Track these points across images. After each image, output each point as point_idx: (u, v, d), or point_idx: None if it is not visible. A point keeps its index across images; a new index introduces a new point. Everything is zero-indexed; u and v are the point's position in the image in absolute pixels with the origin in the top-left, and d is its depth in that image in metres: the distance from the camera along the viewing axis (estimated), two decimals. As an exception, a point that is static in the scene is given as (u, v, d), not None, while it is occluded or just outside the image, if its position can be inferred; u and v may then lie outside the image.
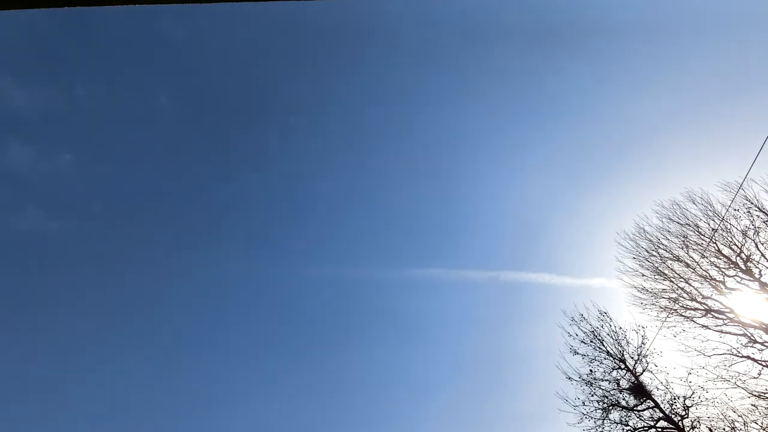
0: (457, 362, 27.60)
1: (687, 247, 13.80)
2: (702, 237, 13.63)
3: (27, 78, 19.61)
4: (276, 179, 26.70)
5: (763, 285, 12.66)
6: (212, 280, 25.87)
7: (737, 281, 13.10)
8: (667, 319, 13.69)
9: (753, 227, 12.86)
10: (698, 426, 12.59)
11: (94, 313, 24.11)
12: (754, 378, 12.33)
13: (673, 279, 13.94)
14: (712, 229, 13.43)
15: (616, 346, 14.11)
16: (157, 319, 25.14)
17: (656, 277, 14.29)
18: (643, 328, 13.98)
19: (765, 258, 12.72)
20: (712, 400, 12.68)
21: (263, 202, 26.93)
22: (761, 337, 12.53)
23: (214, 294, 26.49)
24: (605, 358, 14.09)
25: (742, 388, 12.35)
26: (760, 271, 12.77)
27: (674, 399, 13.06)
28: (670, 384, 13.25)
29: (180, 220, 25.53)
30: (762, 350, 12.48)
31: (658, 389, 13.32)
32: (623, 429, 13.29)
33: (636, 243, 14.91)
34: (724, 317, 13.11)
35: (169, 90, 22.81)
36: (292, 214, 27.32)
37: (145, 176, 24.45)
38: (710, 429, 12.52)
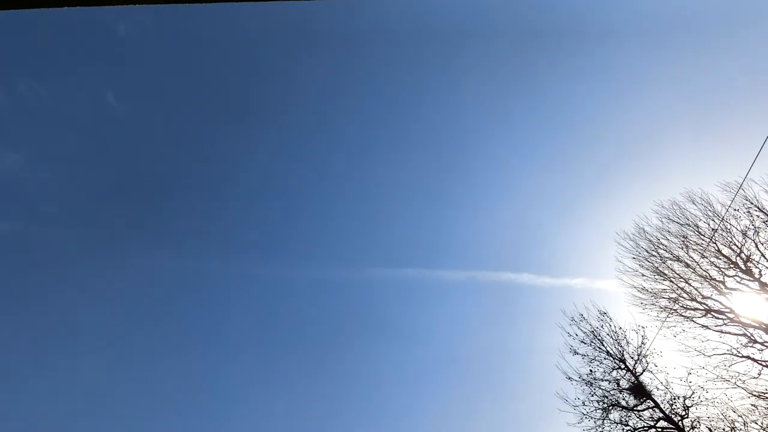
0: (452, 363, 27.55)
1: (687, 247, 13.81)
2: (702, 237, 13.64)
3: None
4: (257, 179, 26.59)
5: (763, 285, 12.66)
6: (189, 282, 25.69)
7: (737, 281, 13.11)
8: (667, 319, 13.71)
9: (753, 227, 12.86)
10: (698, 426, 12.59)
11: (51, 316, 23.97)
12: (754, 378, 12.34)
13: (673, 279, 13.95)
14: (712, 229, 13.43)
15: (616, 346, 14.13)
16: (118, 322, 24.89)
17: (656, 277, 14.31)
18: (643, 328, 14.00)
19: (765, 258, 12.72)
20: (712, 400, 12.69)
21: (246, 203, 26.80)
22: (761, 337, 12.53)
23: (195, 296, 26.34)
24: (605, 358, 14.11)
25: (742, 388, 12.35)
26: (760, 271, 12.77)
27: (674, 399, 13.07)
28: (670, 384, 13.27)
29: (140, 222, 25.32)
30: (762, 350, 12.48)
31: (658, 389, 13.34)
32: (623, 429, 13.30)
33: (636, 243, 14.93)
34: (724, 317, 13.11)
35: (118, 87, 22.59)
36: (281, 214, 27.26)
37: (102, 176, 24.20)
38: (710, 429, 12.52)
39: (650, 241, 14.63)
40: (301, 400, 26.07)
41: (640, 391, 13.42)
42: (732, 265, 13.10)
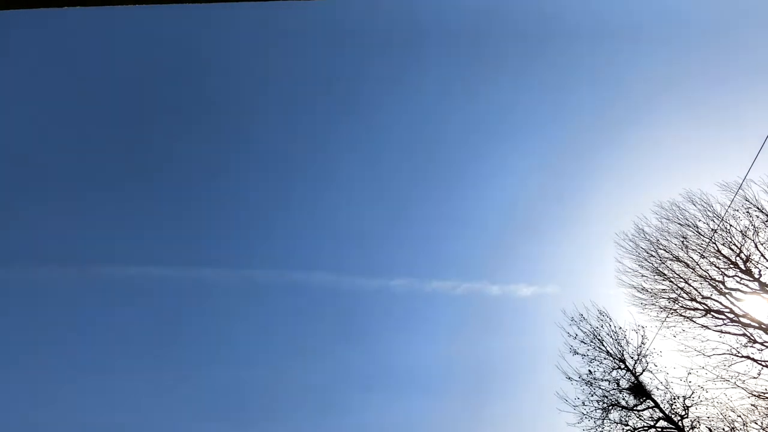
0: (448, 370, 27.37)
1: (686, 247, 13.84)
2: (701, 237, 13.66)
3: None
4: (237, 187, 26.31)
5: (762, 285, 12.69)
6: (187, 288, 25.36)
7: (737, 281, 13.13)
8: (667, 319, 13.73)
9: (752, 227, 12.89)
10: (698, 426, 12.63)
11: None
12: (754, 378, 12.36)
13: (672, 279, 13.98)
14: (712, 230, 13.45)
15: (616, 346, 14.17)
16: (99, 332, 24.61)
17: (656, 277, 14.34)
18: (642, 328, 14.04)
19: (765, 258, 12.75)
20: (711, 400, 12.72)
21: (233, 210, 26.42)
22: (761, 337, 12.55)
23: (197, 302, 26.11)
24: (605, 358, 14.14)
25: (742, 388, 12.38)
26: (760, 271, 12.80)
27: (674, 399, 13.11)
28: (670, 384, 13.31)
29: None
30: (762, 350, 12.51)
31: (657, 389, 13.38)
32: (623, 429, 13.34)
33: (635, 244, 14.97)
34: (723, 317, 13.14)
35: (104, 87, 22.31)
36: (274, 218, 27.11)
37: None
38: (710, 429, 12.55)
39: (650, 241, 14.68)
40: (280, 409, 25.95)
41: (640, 391, 13.45)
42: (732, 265, 13.12)
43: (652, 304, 14.32)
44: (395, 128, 26.60)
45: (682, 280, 13.82)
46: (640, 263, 14.72)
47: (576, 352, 14.46)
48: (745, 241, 12.99)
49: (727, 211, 13.05)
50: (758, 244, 12.84)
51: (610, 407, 13.52)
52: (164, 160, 25.45)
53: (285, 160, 25.98)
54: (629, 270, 14.95)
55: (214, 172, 26.22)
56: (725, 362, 12.82)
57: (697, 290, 13.61)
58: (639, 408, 13.43)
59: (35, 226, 23.33)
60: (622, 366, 13.88)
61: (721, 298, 13.31)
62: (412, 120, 26.44)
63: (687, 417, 12.75)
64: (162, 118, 24.55)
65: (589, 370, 14.10)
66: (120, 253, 24.36)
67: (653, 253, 14.45)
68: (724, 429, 12.39)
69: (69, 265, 22.97)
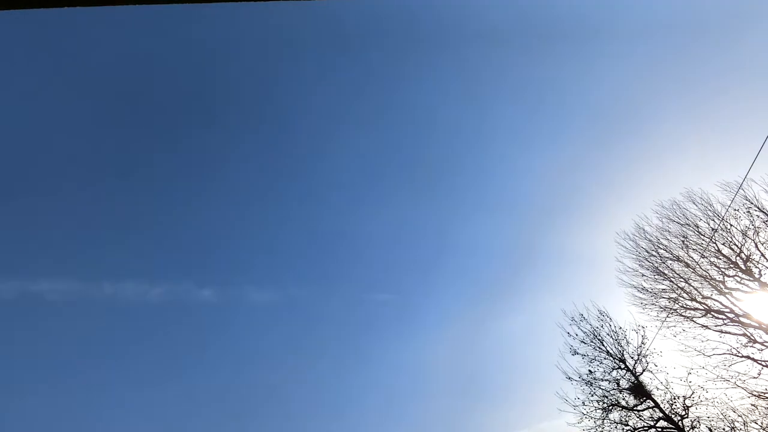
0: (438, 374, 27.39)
1: (687, 247, 13.81)
2: (702, 237, 13.63)
3: None
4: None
5: (763, 285, 12.66)
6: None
7: (737, 281, 13.10)
8: (667, 319, 13.71)
9: (753, 227, 12.86)
10: (698, 426, 12.60)
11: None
12: (754, 378, 12.34)
13: (673, 279, 13.95)
14: (712, 229, 13.43)
15: (616, 346, 14.14)
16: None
17: (656, 277, 14.31)
18: (642, 328, 14.02)
19: (765, 258, 12.72)
20: (712, 400, 12.69)
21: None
22: (761, 337, 12.53)
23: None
24: (605, 358, 14.12)
25: (742, 388, 12.35)
26: (760, 271, 12.77)
27: (674, 399, 13.08)
28: (670, 384, 13.28)
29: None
30: (762, 350, 12.48)
31: (658, 389, 13.35)
32: (623, 429, 13.30)
33: (636, 243, 14.94)
34: (724, 317, 13.11)
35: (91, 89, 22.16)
36: (272, 228, 27.10)
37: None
38: (710, 429, 12.53)
39: (650, 240, 14.65)
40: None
41: (640, 391, 13.42)
42: (732, 265, 13.09)
43: (652, 304, 14.31)
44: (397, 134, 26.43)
45: (682, 279, 13.79)
46: (640, 263, 14.71)
47: (576, 352, 14.44)
48: (746, 241, 12.96)
49: (727, 210, 13.03)
50: (758, 243, 12.81)
51: (610, 407, 13.50)
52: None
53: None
54: (629, 269, 14.95)
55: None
56: (725, 362, 12.81)
57: (697, 290, 13.58)
58: (639, 408, 13.40)
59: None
60: (622, 366, 13.86)
61: (722, 298, 13.29)
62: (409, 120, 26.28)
63: (687, 417, 12.72)
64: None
65: (589, 370, 14.08)
66: None
67: (654, 253, 14.43)
68: (724, 429, 12.37)
69: None
